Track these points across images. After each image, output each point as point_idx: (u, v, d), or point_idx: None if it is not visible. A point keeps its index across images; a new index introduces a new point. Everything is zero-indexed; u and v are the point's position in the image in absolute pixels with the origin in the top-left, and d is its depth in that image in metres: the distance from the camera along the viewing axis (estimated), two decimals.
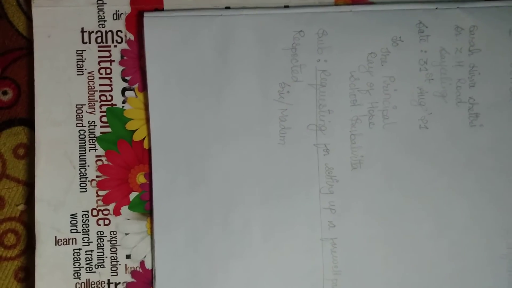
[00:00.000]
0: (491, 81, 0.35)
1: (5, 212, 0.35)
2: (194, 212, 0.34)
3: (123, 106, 0.35)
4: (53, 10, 0.34)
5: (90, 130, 0.34)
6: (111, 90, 0.34)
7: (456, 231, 0.35)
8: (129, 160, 0.34)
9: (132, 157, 0.34)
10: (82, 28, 0.34)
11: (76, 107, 0.34)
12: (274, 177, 0.35)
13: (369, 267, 0.35)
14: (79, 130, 0.34)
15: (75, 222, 0.34)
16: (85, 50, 0.34)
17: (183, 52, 0.34)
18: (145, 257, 0.34)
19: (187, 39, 0.34)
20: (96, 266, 0.34)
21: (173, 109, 0.34)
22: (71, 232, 0.34)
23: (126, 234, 0.34)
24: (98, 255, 0.34)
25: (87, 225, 0.34)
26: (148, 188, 0.34)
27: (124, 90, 0.35)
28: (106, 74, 0.34)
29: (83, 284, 0.34)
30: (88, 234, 0.34)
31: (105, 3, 0.34)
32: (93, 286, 0.34)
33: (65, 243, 0.34)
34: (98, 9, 0.34)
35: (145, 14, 0.34)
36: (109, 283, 0.34)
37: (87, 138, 0.34)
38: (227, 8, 0.35)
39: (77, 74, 0.34)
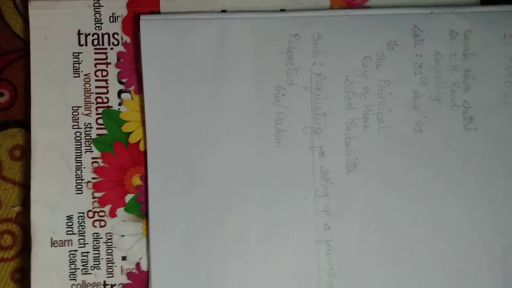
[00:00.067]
0: (486, 85, 0.35)
1: (1, 213, 0.35)
2: (189, 214, 0.34)
3: (119, 108, 0.35)
4: (50, 12, 0.34)
5: (86, 132, 0.34)
6: (107, 92, 0.35)
7: (452, 234, 0.35)
8: (125, 162, 0.35)
9: (128, 159, 0.35)
10: (79, 30, 0.34)
11: (72, 109, 0.34)
12: (270, 180, 0.35)
13: (364, 269, 0.35)
14: (75, 132, 0.34)
15: (71, 223, 0.34)
16: (81, 52, 0.34)
17: (179, 54, 0.34)
18: (140, 258, 0.34)
19: (183, 42, 0.34)
20: (92, 268, 0.34)
21: (169, 111, 0.34)
22: (67, 234, 0.34)
23: (122, 235, 0.34)
24: (94, 257, 0.34)
25: (83, 227, 0.34)
26: (143, 190, 0.34)
27: (120, 92, 0.35)
28: (103, 76, 0.35)
29: (79, 285, 0.34)
30: (84, 236, 0.34)
31: (102, 6, 0.35)
32: (89, 287, 0.34)
33: (61, 244, 0.34)
34: (95, 11, 0.35)
35: (142, 17, 0.34)
36: (105, 284, 0.34)
37: (83, 140, 0.34)
38: (223, 11, 0.35)
39: (74, 76, 0.34)
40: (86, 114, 0.34)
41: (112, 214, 0.34)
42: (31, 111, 0.34)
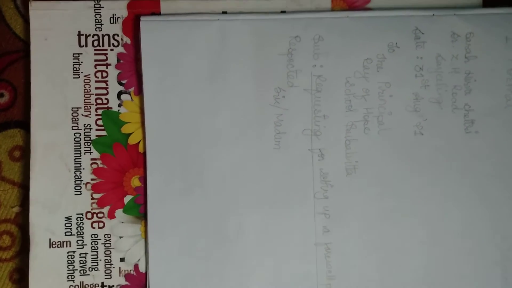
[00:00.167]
0: (487, 88, 0.35)
1: (0, 213, 0.35)
2: (188, 216, 0.34)
3: (118, 110, 0.35)
4: (50, 13, 0.34)
5: (86, 133, 0.34)
6: (107, 94, 0.35)
7: (451, 238, 0.35)
8: (124, 163, 0.34)
9: (127, 161, 0.35)
10: (79, 31, 0.34)
11: (72, 110, 0.34)
12: (269, 182, 0.35)
13: (363, 272, 0.35)
14: (75, 133, 0.34)
15: (69, 224, 0.34)
16: (81, 53, 0.34)
17: (179, 56, 0.34)
18: (139, 260, 0.34)
19: (183, 43, 0.34)
20: (90, 269, 0.34)
21: (169, 113, 0.34)
22: (66, 235, 0.34)
23: (120, 237, 0.34)
24: (92, 258, 0.34)
25: (81, 228, 0.34)
26: (142, 192, 0.34)
27: (120, 93, 0.35)
28: (102, 77, 0.35)
29: (77, 286, 0.34)
30: (82, 237, 0.34)
31: (102, 7, 0.35)
32: None
33: (59, 245, 0.34)
34: (95, 12, 0.35)
35: (142, 18, 0.34)
36: (103, 286, 0.34)
37: (82, 141, 0.34)
38: (224, 12, 0.35)
39: (73, 77, 0.34)
40: (85, 115, 0.34)
41: (111, 216, 0.34)
42: (30, 111, 0.34)
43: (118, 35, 0.35)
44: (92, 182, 0.34)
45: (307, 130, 0.35)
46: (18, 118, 0.35)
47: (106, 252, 0.34)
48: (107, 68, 0.35)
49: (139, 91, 0.35)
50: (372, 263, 0.35)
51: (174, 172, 0.34)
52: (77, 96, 0.34)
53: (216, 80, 0.34)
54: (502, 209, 0.35)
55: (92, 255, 0.34)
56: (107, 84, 0.35)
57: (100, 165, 0.34)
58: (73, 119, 0.34)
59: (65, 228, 0.34)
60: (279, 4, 0.35)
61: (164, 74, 0.34)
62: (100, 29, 0.35)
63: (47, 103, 0.34)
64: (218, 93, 0.34)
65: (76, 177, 0.34)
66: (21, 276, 0.35)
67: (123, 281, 0.34)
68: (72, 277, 0.34)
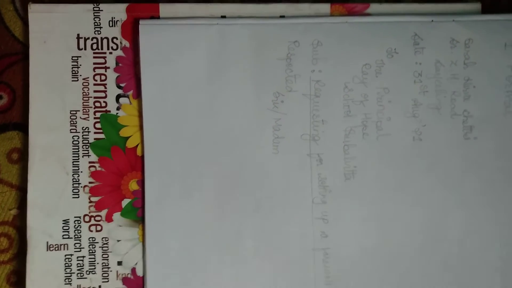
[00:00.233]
0: (486, 94, 0.35)
1: None
2: (186, 220, 0.34)
3: (117, 113, 0.35)
4: (50, 16, 0.34)
5: (84, 136, 0.34)
6: (105, 97, 0.35)
7: (450, 243, 0.35)
8: (122, 166, 0.34)
9: (125, 164, 0.34)
10: (78, 34, 0.34)
11: (70, 113, 0.34)
12: (267, 186, 0.35)
13: (361, 278, 0.35)
14: (73, 136, 0.34)
15: (67, 227, 0.34)
16: (80, 56, 0.34)
17: (178, 60, 0.34)
18: (136, 264, 0.34)
19: (182, 47, 0.34)
20: (88, 272, 0.34)
21: (167, 116, 0.34)
22: (63, 238, 0.34)
23: (118, 240, 0.34)
24: (89, 261, 0.34)
25: (79, 231, 0.34)
26: (140, 195, 0.34)
27: (118, 96, 0.35)
28: (101, 80, 0.35)
29: None
30: (80, 240, 0.34)
31: (101, 10, 0.35)
32: None
33: (56, 248, 0.34)
34: (94, 15, 0.35)
35: (141, 22, 0.34)
36: None
37: (80, 144, 0.34)
38: (223, 17, 0.35)
39: (72, 80, 0.34)
40: (84, 118, 0.34)
41: (109, 219, 0.34)
42: (29, 114, 0.34)
43: (117, 39, 0.35)
44: (90, 185, 0.34)
45: (305, 135, 0.35)
46: (17, 121, 0.35)
47: (104, 256, 0.34)
48: (105, 71, 0.35)
49: (138, 95, 0.35)
50: (371, 268, 0.35)
51: (172, 176, 0.34)
52: (75, 99, 0.34)
53: (214, 84, 0.34)
54: (501, 215, 0.35)
55: (89, 258, 0.34)
56: (105, 87, 0.35)
57: (98, 168, 0.34)
58: (72, 122, 0.34)
59: (63, 231, 0.34)
60: (278, 9, 0.35)
61: (162, 77, 0.34)
62: (99, 32, 0.35)
63: (46, 105, 0.34)
64: (216, 97, 0.34)
65: (74, 180, 0.34)
66: (18, 279, 0.35)
67: (120, 285, 0.34)
68: (70, 280, 0.34)
